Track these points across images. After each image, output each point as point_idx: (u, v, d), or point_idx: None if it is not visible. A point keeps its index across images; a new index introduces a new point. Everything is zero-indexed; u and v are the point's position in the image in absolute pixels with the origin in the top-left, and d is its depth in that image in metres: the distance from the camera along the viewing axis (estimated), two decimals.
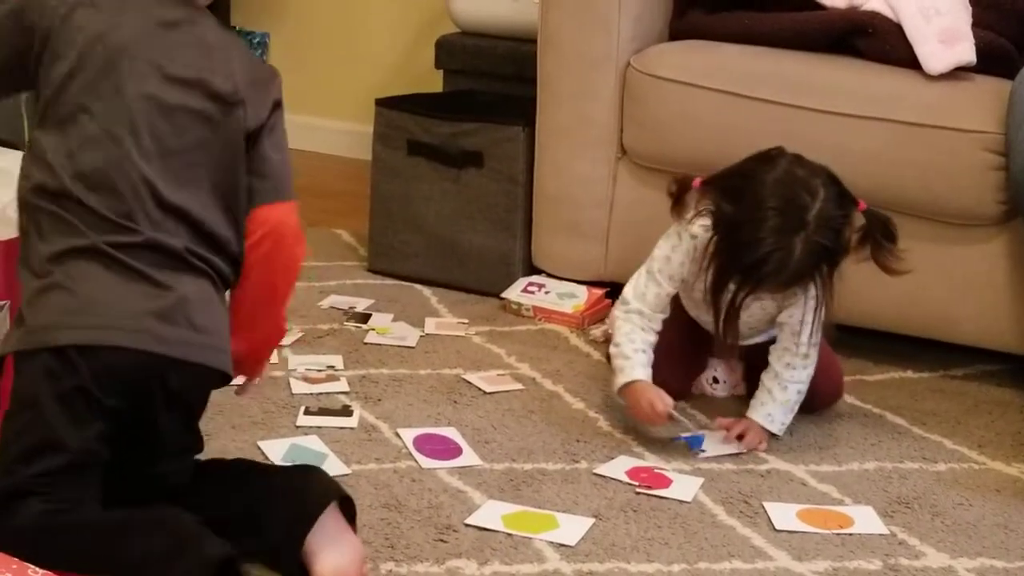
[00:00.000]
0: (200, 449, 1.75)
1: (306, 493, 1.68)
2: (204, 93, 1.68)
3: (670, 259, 2.19)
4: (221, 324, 1.68)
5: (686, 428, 2.23)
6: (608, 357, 2.26)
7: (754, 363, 2.26)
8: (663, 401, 2.12)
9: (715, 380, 2.37)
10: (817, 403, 2.28)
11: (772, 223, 1.99)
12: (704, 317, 2.25)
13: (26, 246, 1.65)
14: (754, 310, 2.14)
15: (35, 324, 1.59)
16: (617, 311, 2.22)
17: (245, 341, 1.74)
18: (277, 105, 1.76)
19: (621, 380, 2.15)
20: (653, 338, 2.19)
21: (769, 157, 2.08)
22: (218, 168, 1.68)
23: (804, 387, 2.19)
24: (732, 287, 2.03)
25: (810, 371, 2.18)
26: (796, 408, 2.19)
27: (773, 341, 2.21)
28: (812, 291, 2.08)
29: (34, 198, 1.63)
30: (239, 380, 1.83)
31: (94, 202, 1.60)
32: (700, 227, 2.14)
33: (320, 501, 1.67)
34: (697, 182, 2.13)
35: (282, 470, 1.87)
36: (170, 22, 1.69)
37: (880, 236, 2.08)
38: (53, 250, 1.61)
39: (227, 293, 1.73)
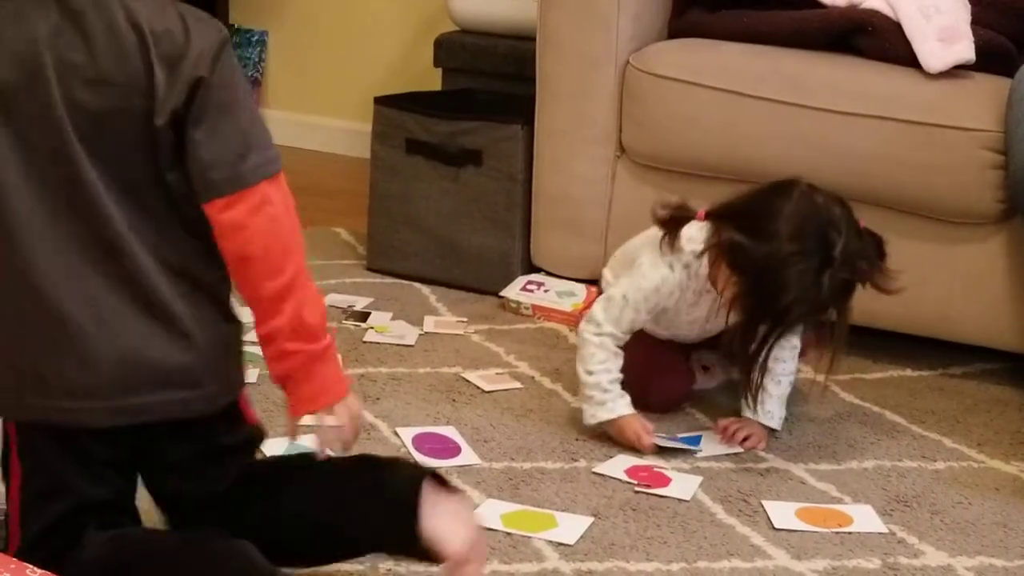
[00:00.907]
0: (258, 439, 1.70)
1: (393, 484, 1.59)
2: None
3: (659, 290, 2.13)
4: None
5: (684, 432, 2.23)
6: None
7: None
8: (648, 431, 2.11)
9: (705, 369, 2.36)
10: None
11: (802, 266, 1.95)
12: (683, 334, 2.24)
13: None
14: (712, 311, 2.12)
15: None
16: (587, 333, 2.14)
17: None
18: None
19: (603, 415, 2.12)
20: (621, 358, 2.15)
21: (784, 189, 2.03)
22: None
23: (793, 375, 2.18)
24: (762, 332, 2.00)
25: (796, 358, 2.18)
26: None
27: None
28: None
29: None
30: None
31: None
32: (689, 256, 2.10)
33: (412, 487, 1.57)
34: (701, 214, 2.10)
35: (351, 467, 1.68)
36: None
37: (876, 258, 2.06)
38: None
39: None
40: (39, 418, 1.55)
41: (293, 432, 1.65)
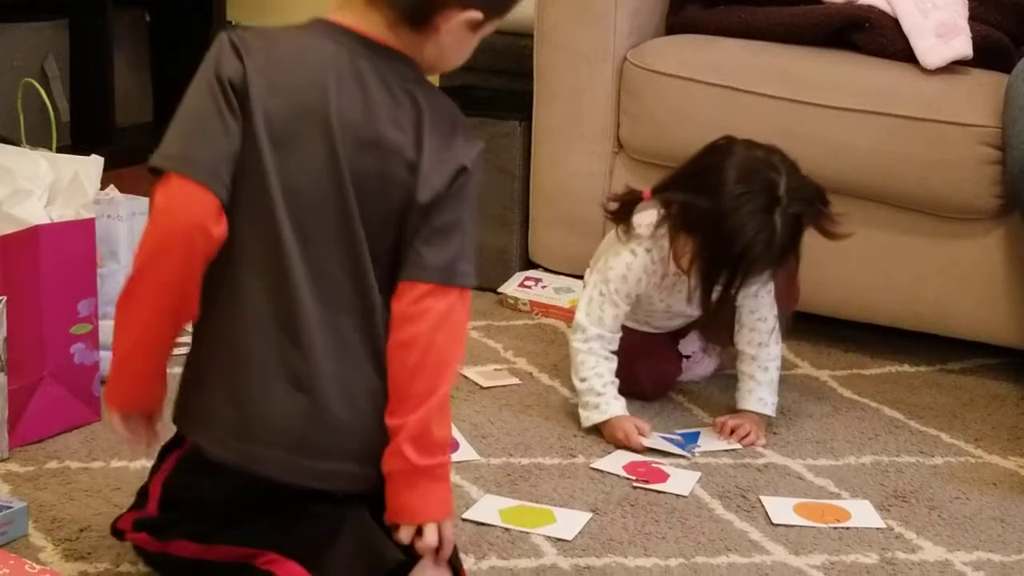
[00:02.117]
0: None
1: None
2: None
3: (626, 278, 2.15)
4: None
5: (682, 427, 2.23)
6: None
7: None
8: (643, 431, 2.12)
9: (686, 357, 2.37)
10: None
11: (749, 207, 1.99)
12: (659, 323, 2.24)
13: None
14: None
15: None
16: (576, 342, 2.16)
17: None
18: None
19: (596, 417, 2.13)
20: (614, 362, 2.16)
21: (721, 147, 2.08)
22: None
23: (779, 360, 2.19)
24: (721, 284, 2.02)
25: (779, 341, 2.19)
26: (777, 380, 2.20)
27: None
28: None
29: None
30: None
31: None
32: (648, 239, 2.12)
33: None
34: (647, 193, 2.13)
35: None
36: None
37: (819, 203, 2.08)
38: None
39: None
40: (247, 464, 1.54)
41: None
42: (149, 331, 1.55)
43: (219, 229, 1.49)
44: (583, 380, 2.15)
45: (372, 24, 1.54)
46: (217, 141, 1.49)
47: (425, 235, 1.53)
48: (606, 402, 2.13)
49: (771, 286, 2.15)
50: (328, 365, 1.52)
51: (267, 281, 1.51)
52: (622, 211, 2.15)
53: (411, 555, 1.54)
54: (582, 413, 2.15)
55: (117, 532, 1.65)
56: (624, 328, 2.20)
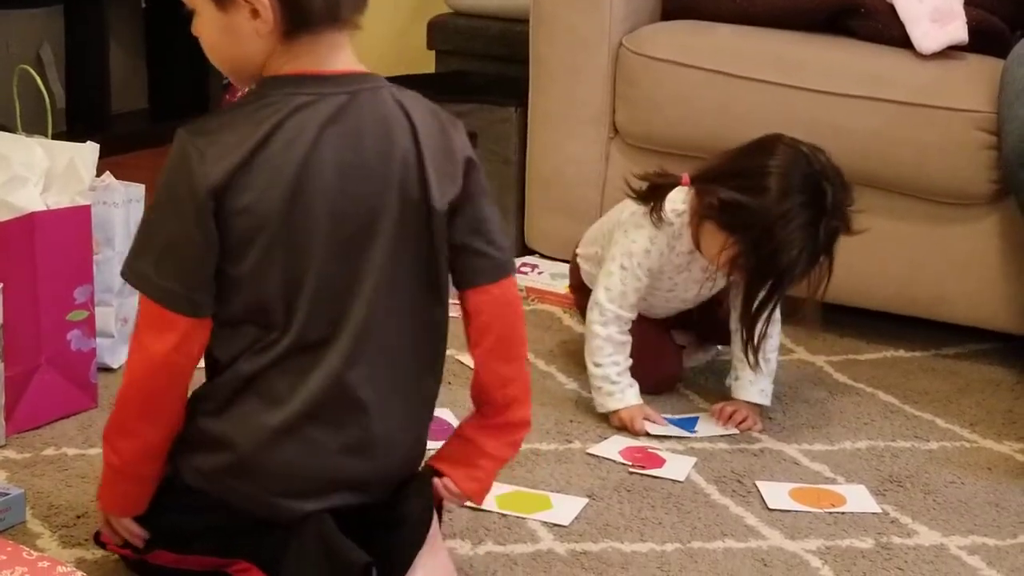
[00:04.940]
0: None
1: (408, 514, 1.59)
2: None
3: (649, 252, 2.13)
4: None
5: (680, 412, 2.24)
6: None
7: (708, 318, 2.28)
8: (652, 419, 2.13)
9: (681, 347, 2.37)
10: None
11: (800, 220, 1.97)
12: (657, 308, 2.24)
13: None
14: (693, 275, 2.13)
15: None
16: (595, 324, 2.14)
17: None
18: None
19: (612, 405, 2.14)
20: (629, 344, 2.16)
21: (767, 144, 2.04)
22: None
23: (778, 351, 2.20)
24: (763, 292, 2.01)
25: (779, 333, 2.19)
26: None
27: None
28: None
29: None
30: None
31: None
32: (672, 214, 2.11)
33: (420, 529, 1.58)
34: (686, 178, 2.11)
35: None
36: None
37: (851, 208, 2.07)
38: None
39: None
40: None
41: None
42: (148, 447, 1.55)
43: (202, 339, 1.50)
44: (598, 366, 2.15)
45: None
46: (194, 266, 1.47)
47: (462, 240, 1.55)
48: (621, 390, 2.14)
49: (814, 288, 2.12)
50: (384, 424, 1.56)
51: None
52: (653, 192, 2.13)
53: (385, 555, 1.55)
54: (596, 399, 2.16)
55: (100, 542, 1.66)
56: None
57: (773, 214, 1.97)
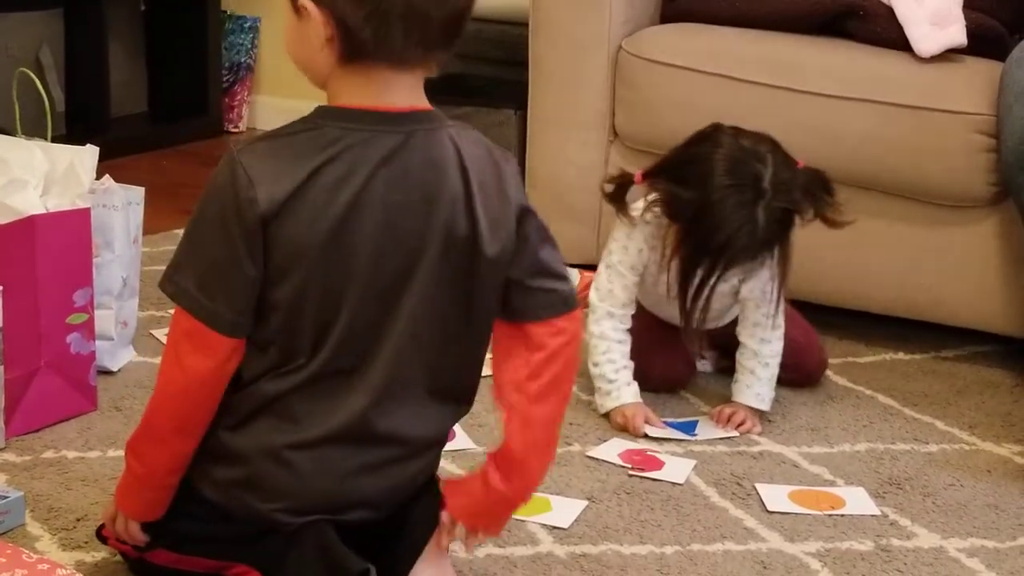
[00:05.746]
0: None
1: (411, 521, 1.59)
2: None
3: (627, 248, 2.17)
4: None
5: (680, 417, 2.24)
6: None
7: (724, 344, 2.28)
8: (651, 420, 2.13)
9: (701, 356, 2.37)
10: (806, 380, 2.31)
11: (733, 200, 2.00)
12: (666, 311, 2.25)
13: None
14: (721, 290, 2.11)
15: None
16: (589, 324, 2.16)
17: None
18: None
19: (609, 404, 2.15)
20: (627, 343, 2.17)
21: (709, 135, 2.08)
22: None
23: (780, 356, 2.20)
24: (700, 273, 2.03)
25: (782, 338, 2.19)
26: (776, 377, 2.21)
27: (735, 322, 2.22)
28: (769, 258, 2.08)
29: None
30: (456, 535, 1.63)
31: None
32: (650, 213, 2.13)
33: (424, 531, 1.59)
34: (639, 176, 2.14)
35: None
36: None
37: (820, 191, 2.08)
38: None
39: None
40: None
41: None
42: (176, 458, 1.55)
43: (239, 357, 1.50)
44: (595, 365, 2.17)
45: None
46: (240, 289, 1.47)
47: (520, 279, 1.56)
48: (617, 389, 2.15)
49: (777, 280, 2.13)
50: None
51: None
52: (616, 194, 2.17)
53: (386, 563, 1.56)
54: (596, 399, 2.17)
55: (101, 537, 1.66)
56: (643, 312, 2.21)
57: (703, 199, 2.01)
